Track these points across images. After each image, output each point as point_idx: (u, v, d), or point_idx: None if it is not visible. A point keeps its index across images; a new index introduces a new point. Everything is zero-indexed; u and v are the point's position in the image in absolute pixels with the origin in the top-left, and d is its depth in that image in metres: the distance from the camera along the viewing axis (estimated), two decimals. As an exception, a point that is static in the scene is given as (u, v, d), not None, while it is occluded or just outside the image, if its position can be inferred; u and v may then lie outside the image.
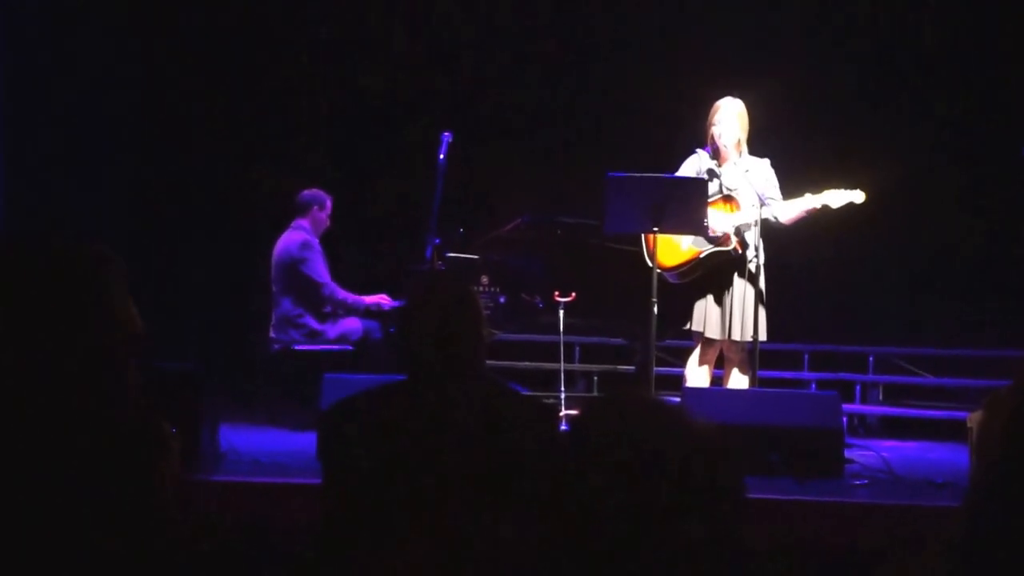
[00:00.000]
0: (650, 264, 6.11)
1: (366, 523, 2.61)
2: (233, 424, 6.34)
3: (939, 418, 7.87)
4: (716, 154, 6.27)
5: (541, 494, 1.50)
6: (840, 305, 8.66)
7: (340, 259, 7.72)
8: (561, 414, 6.11)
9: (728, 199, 6.22)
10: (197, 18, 8.68)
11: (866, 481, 5.62)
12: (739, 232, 6.18)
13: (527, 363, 8.29)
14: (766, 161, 6.28)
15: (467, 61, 9.02)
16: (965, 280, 8.52)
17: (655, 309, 5.96)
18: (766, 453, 5.48)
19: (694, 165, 6.31)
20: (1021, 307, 8.24)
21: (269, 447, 5.99)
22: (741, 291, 6.16)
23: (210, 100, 8.67)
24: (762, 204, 6.12)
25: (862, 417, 8.11)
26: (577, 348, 8.52)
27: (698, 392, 6.07)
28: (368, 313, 7.26)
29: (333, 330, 7.22)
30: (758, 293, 6.12)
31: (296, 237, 7.26)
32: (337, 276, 7.32)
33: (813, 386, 8.37)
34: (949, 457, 6.45)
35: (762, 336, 6.11)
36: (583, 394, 8.31)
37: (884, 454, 6.09)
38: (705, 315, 6.21)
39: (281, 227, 7.38)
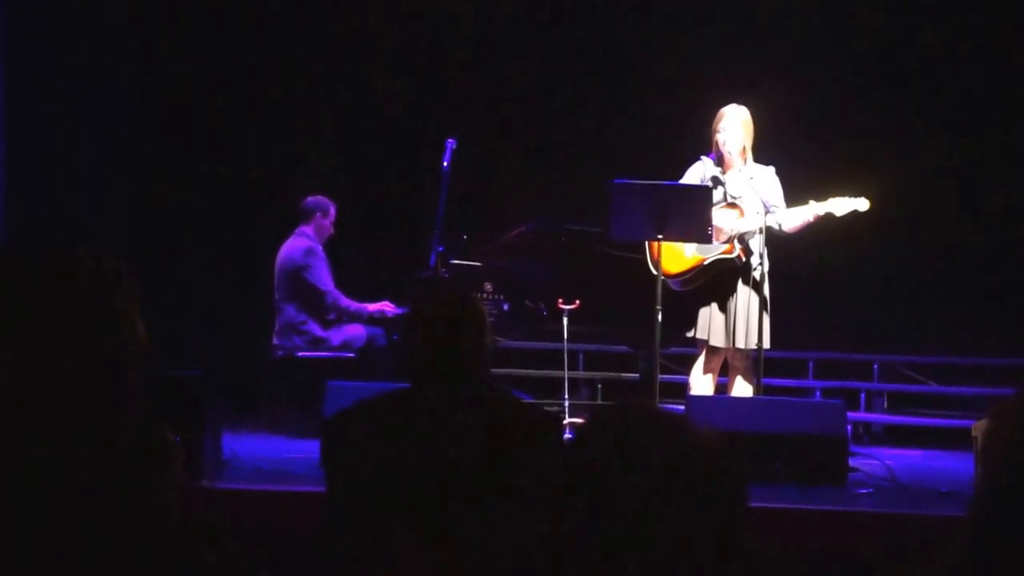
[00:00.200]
0: (654, 271, 6.10)
1: (369, 530, 2.61)
2: (236, 431, 6.34)
3: (944, 427, 7.87)
4: (720, 161, 6.27)
5: (544, 502, 1.49)
6: (845, 313, 8.64)
7: (343, 265, 7.72)
8: (565, 422, 6.09)
9: (732, 206, 6.21)
10: (198, 19, 8.67)
11: (870, 490, 5.60)
12: (743, 239, 6.18)
13: (531, 370, 8.28)
14: (771, 169, 6.27)
15: (472, 67, 9.02)
16: (971, 288, 8.50)
17: (659, 317, 5.95)
18: (770, 461, 5.47)
19: (698, 172, 6.30)
20: (1028, 315, 8.23)
21: (272, 454, 5.99)
22: (745, 299, 6.15)
23: (212, 103, 8.66)
24: (766, 212, 6.12)
25: (867, 425, 8.10)
26: (581, 355, 8.50)
27: (702, 400, 6.06)
28: (372, 320, 7.25)
29: (336, 337, 7.20)
30: (762, 301, 6.11)
31: (300, 244, 7.25)
32: (340, 282, 7.32)
33: (818, 394, 8.36)
34: (954, 466, 6.44)
35: (766, 344, 6.10)
36: (587, 402, 8.29)
37: (888, 462, 6.07)
38: (709, 323, 6.20)
39: (284, 233, 7.37)
